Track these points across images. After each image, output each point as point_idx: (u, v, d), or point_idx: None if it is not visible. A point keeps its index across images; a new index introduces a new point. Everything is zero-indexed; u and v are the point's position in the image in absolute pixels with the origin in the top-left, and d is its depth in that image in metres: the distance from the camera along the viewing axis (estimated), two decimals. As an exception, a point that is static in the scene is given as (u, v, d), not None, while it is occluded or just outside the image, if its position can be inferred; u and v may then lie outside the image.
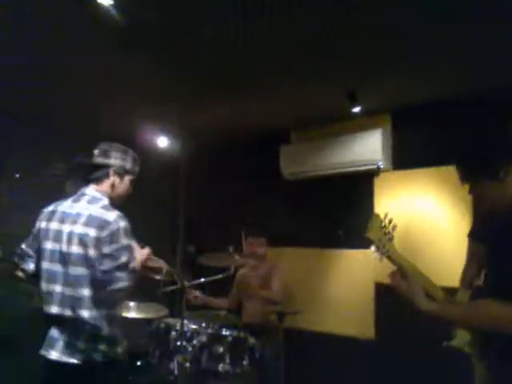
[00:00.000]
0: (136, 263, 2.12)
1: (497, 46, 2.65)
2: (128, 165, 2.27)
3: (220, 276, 3.42)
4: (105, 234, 2.01)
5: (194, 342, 3.05)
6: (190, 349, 3.03)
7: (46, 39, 2.69)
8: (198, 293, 3.65)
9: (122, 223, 2.07)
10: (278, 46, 2.74)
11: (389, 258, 1.62)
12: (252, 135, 4.57)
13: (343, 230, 3.22)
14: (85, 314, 2.01)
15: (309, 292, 4.15)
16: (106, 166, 2.21)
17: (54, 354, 2.03)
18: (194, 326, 3.14)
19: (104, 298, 2.02)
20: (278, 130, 4.42)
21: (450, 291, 2.00)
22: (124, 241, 2.04)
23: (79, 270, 2.01)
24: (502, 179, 1.55)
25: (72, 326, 2.02)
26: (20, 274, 2.22)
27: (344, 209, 4.08)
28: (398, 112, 3.81)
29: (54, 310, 2.04)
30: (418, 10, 2.31)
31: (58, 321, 2.04)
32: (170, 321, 3.26)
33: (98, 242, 2.01)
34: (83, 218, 2.06)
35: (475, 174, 1.64)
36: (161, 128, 4.32)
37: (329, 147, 4.02)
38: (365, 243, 3.95)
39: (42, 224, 2.16)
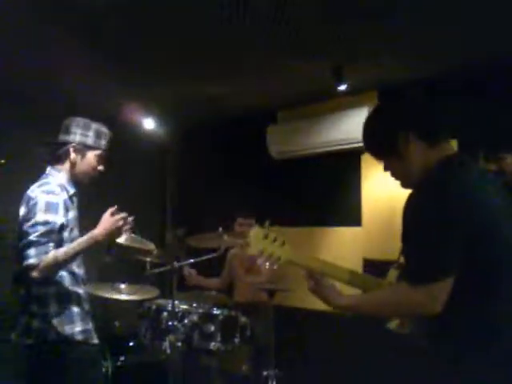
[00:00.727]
0: (98, 233, 2.03)
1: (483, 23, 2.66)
2: (89, 140, 2.19)
3: (209, 256, 3.43)
4: (25, 211, 2.03)
5: (186, 321, 3.09)
6: (182, 328, 3.07)
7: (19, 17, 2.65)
8: (193, 271, 3.69)
9: (43, 198, 2.02)
10: (264, 24, 2.71)
11: (288, 262, 1.57)
12: (239, 115, 4.55)
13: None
14: (32, 292, 2.04)
15: (299, 270, 4.18)
16: (66, 143, 2.17)
17: (13, 335, 2.10)
18: (185, 306, 3.18)
19: (24, 276, 2.01)
20: (265, 109, 4.40)
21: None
22: (40, 216, 1.99)
23: (21, 252, 2.02)
24: (403, 154, 1.47)
25: (26, 306, 2.07)
26: None
27: (332, 187, 4.11)
28: (385, 89, 3.81)
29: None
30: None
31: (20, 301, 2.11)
32: (161, 301, 3.29)
33: (23, 220, 2.03)
34: (25, 198, 2.10)
35: (375, 152, 1.57)
36: (146, 109, 4.30)
37: (316, 126, 4.03)
38: (352, 220, 4.01)
39: None
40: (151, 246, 3.16)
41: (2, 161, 3.27)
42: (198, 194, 4.98)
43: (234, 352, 3.12)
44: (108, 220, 2.05)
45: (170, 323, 3.05)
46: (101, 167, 2.27)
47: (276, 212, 4.26)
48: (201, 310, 3.14)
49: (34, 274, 1.94)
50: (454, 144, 1.49)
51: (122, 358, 3.10)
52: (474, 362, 1.31)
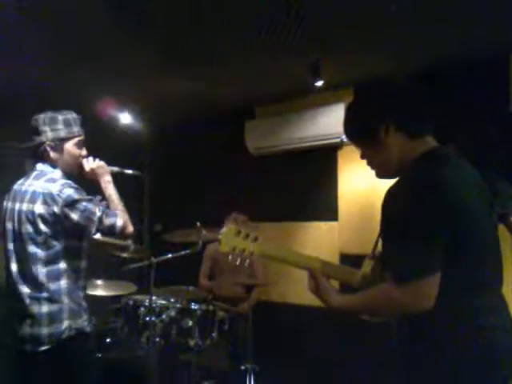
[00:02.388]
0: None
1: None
2: (61, 133, 2.15)
3: (188, 251, 3.43)
4: (55, 208, 1.99)
5: (163, 316, 3.09)
6: (160, 324, 3.06)
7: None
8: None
9: (67, 192, 2.02)
10: (242, 20, 2.71)
11: (262, 256, 1.58)
12: (217, 111, 4.54)
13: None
14: (43, 292, 2.00)
15: (277, 265, 4.21)
16: (41, 144, 2.13)
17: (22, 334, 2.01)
18: (162, 302, 3.18)
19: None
20: (243, 105, 4.40)
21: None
22: (79, 197, 2.03)
23: (30, 248, 2.01)
24: (382, 144, 1.48)
25: (31, 305, 2.00)
26: None
27: (309, 182, 4.14)
28: (362, 85, 3.84)
29: (15, 289, 2.04)
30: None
31: (19, 300, 2.03)
32: (138, 297, 3.28)
33: (50, 217, 2.00)
34: (28, 194, 2.05)
35: (354, 139, 1.59)
36: (123, 104, 4.25)
37: (293, 122, 4.05)
38: (329, 215, 4.05)
39: (3, 203, 2.18)
40: (128, 242, 3.14)
41: None
42: (176, 190, 4.96)
43: (212, 347, 3.13)
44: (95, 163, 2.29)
45: (147, 319, 3.04)
46: (83, 152, 2.26)
47: (253, 207, 4.29)
48: (178, 305, 3.14)
49: (130, 229, 2.12)
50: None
51: (99, 355, 3.08)
52: (446, 352, 1.33)
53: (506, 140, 3.02)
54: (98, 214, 2.04)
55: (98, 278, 3.33)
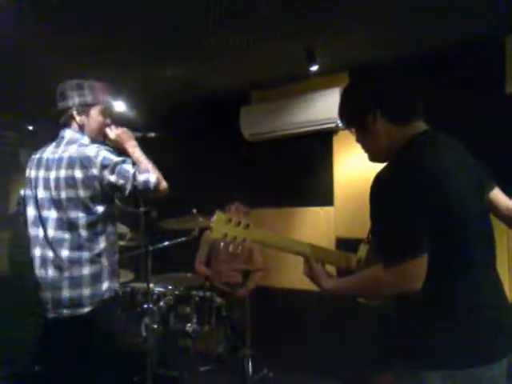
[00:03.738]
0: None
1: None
2: (88, 98, 2.19)
3: (184, 238, 3.42)
4: (95, 171, 2.03)
5: (161, 303, 3.10)
6: (158, 311, 3.07)
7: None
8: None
9: (103, 154, 2.07)
10: (238, 5, 2.68)
11: (254, 242, 1.62)
12: (212, 96, 4.51)
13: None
14: (84, 254, 2.06)
15: (273, 250, 4.21)
16: (68, 109, 2.17)
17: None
18: (160, 289, 3.18)
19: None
20: (238, 90, 4.37)
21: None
22: (116, 168, 2.05)
23: (72, 213, 2.04)
24: (371, 129, 1.53)
25: (72, 267, 2.05)
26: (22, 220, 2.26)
27: (305, 167, 4.14)
28: (356, 70, 3.82)
29: (51, 255, 2.07)
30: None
31: (57, 266, 2.06)
32: (136, 285, 3.29)
33: (89, 181, 2.03)
34: (64, 161, 2.07)
35: (346, 124, 1.64)
36: (117, 91, 4.21)
37: (288, 107, 4.03)
38: (325, 200, 4.04)
39: (30, 172, 2.19)
40: (124, 229, 3.13)
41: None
42: (171, 177, 4.93)
43: (210, 333, 3.15)
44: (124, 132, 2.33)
45: (145, 306, 3.05)
46: (108, 121, 2.31)
47: (249, 193, 4.29)
48: (176, 292, 3.15)
49: (164, 184, 2.18)
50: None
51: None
52: (439, 331, 1.34)
53: (502, 121, 3.01)
54: (132, 170, 2.07)
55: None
